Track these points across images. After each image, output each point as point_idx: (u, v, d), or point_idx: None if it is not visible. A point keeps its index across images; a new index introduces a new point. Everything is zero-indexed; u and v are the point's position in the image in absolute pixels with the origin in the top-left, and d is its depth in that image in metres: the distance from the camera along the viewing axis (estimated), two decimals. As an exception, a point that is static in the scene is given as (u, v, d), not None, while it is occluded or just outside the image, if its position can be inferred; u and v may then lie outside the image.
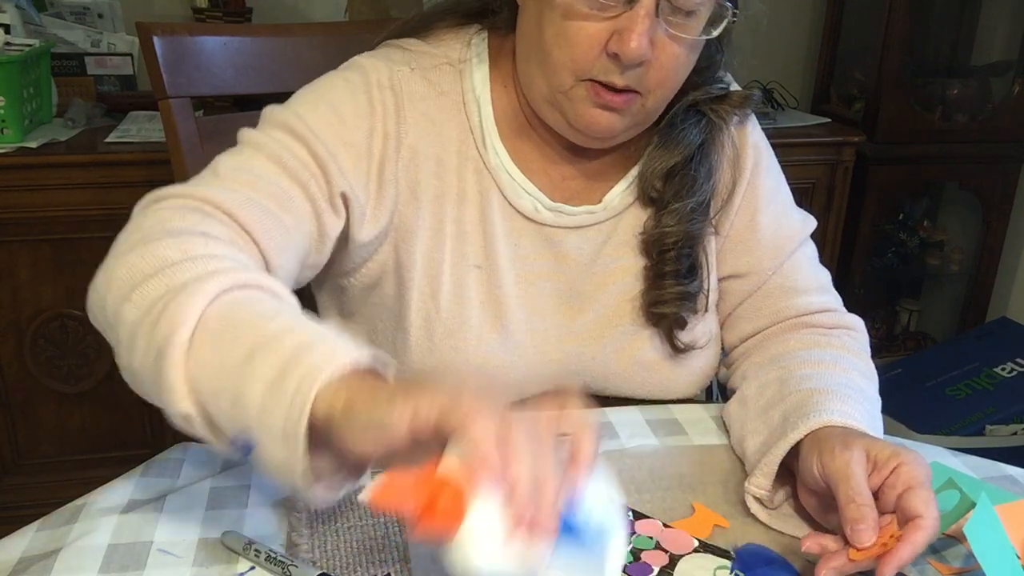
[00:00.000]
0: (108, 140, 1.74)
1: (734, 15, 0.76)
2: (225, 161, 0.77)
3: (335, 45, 1.05)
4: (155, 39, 0.93)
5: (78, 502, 0.71)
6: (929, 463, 0.80)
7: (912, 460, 0.64)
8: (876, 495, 0.64)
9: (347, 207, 0.81)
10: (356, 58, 0.86)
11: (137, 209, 0.71)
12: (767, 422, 0.77)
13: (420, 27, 0.89)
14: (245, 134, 0.80)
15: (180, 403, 0.57)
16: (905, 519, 0.61)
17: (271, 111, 0.81)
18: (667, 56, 0.76)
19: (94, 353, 1.78)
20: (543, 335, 0.89)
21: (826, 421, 0.70)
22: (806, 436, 0.70)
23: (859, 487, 0.63)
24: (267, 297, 0.62)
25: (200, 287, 0.58)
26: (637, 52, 0.72)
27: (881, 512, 0.64)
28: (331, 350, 0.54)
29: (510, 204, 0.86)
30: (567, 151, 0.87)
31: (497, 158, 0.85)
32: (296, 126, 0.79)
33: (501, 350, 0.87)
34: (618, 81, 0.75)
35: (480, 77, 0.86)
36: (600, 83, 0.76)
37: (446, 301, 0.85)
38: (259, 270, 0.68)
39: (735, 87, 0.90)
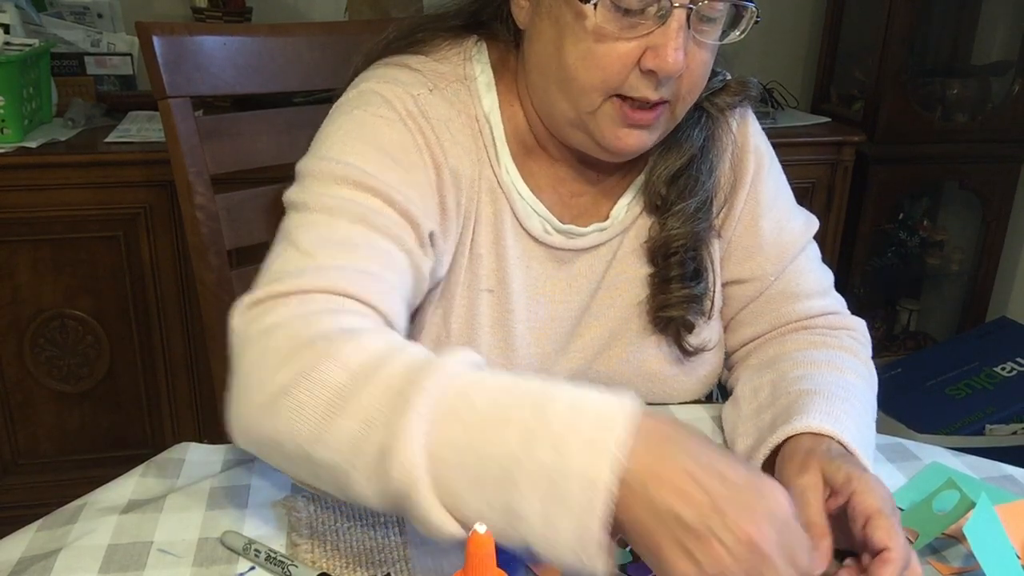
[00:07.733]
0: (108, 140, 1.73)
1: (758, 16, 0.76)
2: (303, 234, 0.71)
3: (335, 45, 1.05)
4: (155, 39, 0.93)
5: (78, 502, 0.71)
6: (927, 464, 0.81)
7: (865, 488, 0.62)
8: (835, 519, 0.65)
9: (433, 246, 0.80)
10: (369, 87, 0.81)
11: (244, 321, 0.66)
12: (757, 425, 0.77)
13: (414, 41, 0.86)
14: (303, 197, 0.74)
15: (450, 531, 0.55)
16: (873, 552, 0.60)
17: (315, 167, 0.76)
18: (696, 63, 0.75)
19: (94, 353, 1.78)
20: (550, 356, 0.89)
21: (802, 428, 0.70)
22: (784, 441, 0.71)
23: (814, 516, 0.63)
24: (463, 385, 0.57)
25: (408, 419, 0.54)
26: (676, 67, 0.72)
27: (845, 541, 0.64)
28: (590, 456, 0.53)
29: (521, 226, 0.85)
30: (576, 168, 0.87)
31: (508, 176, 0.84)
32: (360, 178, 0.74)
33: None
34: (652, 96, 0.75)
35: (489, 95, 0.84)
36: (628, 101, 0.75)
37: (457, 325, 0.85)
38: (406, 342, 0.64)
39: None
